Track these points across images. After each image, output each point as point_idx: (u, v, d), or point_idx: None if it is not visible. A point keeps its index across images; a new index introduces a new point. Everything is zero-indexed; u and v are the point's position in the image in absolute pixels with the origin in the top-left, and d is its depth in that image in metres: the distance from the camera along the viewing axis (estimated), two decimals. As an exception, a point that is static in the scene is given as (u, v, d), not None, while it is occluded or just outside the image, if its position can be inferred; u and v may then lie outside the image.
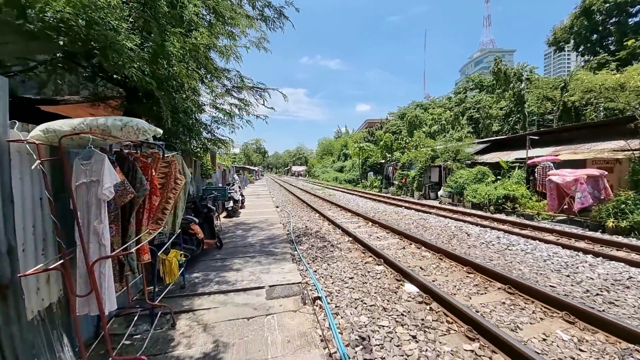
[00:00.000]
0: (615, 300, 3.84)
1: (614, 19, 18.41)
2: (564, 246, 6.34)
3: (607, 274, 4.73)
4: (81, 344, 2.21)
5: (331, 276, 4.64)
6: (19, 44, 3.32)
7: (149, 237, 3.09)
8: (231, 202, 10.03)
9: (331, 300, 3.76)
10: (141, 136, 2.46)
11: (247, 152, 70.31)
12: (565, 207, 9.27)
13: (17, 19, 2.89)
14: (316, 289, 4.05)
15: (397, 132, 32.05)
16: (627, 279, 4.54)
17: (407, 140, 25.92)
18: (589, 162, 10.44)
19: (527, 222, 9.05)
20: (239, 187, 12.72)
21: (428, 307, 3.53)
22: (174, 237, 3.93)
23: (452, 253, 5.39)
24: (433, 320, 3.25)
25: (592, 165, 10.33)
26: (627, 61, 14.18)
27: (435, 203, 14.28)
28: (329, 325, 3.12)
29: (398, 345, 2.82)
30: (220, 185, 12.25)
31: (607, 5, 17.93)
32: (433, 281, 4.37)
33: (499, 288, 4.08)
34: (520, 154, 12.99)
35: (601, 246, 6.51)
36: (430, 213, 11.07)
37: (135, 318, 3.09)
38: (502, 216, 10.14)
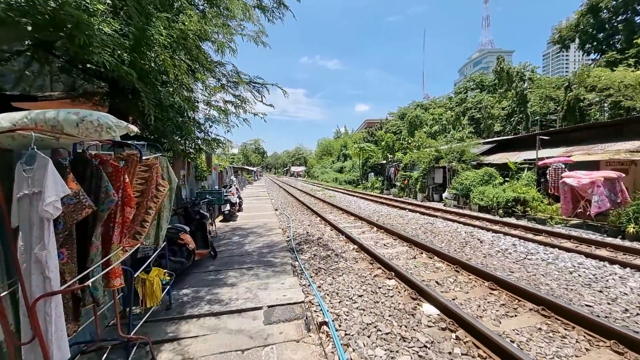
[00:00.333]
0: (663, 322, 3.35)
1: (621, 17, 17.97)
2: (587, 255, 5.86)
3: (641, 288, 4.26)
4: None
5: (337, 293, 4.12)
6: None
7: (122, 257, 2.57)
8: (228, 205, 9.50)
9: (339, 326, 3.24)
10: (105, 134, 1.94)
11: (246, 152, 69.63)
12: (579, 211, 8.80)
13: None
14: (322, 311, 3.53)
15: (398, 133, 31.58)
16: (667, 294, 4.06)
17: (409, 141, 25.44)
18: (602, 163, 9.99)
19: (540, 226, 8.56)
20: (237, 189, 12.17)
21: (454, 336, 3.01)
22: (157, 252, 3.42)
23: (470, 265, 4.89)
24: (462, 354, 2.74)
25: (605, 166, 9.87)
26: (638, 60, 13.74)
27: (440, 205, 13.79)
28: (339, 361, 2.61)
29: (425, 390, 2.31)
30: (216, 187, 11.70)
31: (615, 2, 17.50)
32: (453, 299, 3.86)
33: (530, 309, 3.58)
34: (529, 154, 12.51)
35: (624, 254, 6.05)
36: (436, 216, 10.58)
37: (106, 354, 2.57)
38: (513, 220, 9.65)
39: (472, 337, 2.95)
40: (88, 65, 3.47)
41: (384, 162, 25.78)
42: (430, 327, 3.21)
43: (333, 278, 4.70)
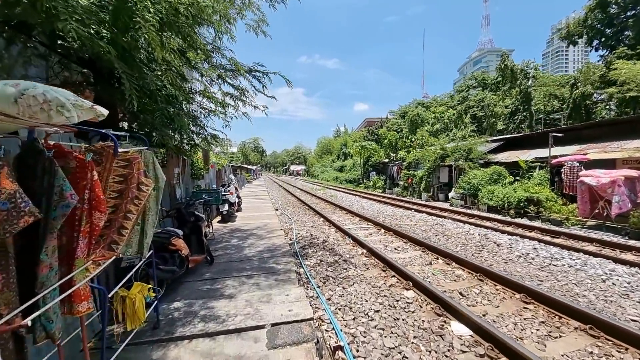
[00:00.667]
0: None
1: (630, 12, 17.49)
2: (615, 260, 5.40)
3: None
4: None
5: (350, 307, 3.62)
6: None
7: (94, 272, 2.07)
8: (226, 205, 8.98)
9: (357, 351, 2.74)
10: (55, 115, 1.43)
11: (245, 151, 68.91)
12: (597, 212, 8.33)
13: None
14: (334, 330, 3.04)
15: (399, 131, 31.09)
16: None
17: (413, 139, 24.94)
18: (618, 162, 9.52)
19: (556, 228, 8.10)
20: (236, 188, 11.65)
21: (496, 366, 2.52)
22: (142, 262, 2.91)
23: (495, 273, 4.40)
24: (512, 391, 2.25)
25: (622, 165, 9.39)
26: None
27: (446, 205, 13.31)
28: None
29: None
30: (214, 186, 11.18)
31: (624, -3, 17.04)
32: (483, 315, 3.37)
33: (576, 328, 3.09)
34: (539, 152, 12.04)
35: (654, 259, 5.59)
36: (445, 217, 10.09)
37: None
38: (525, 221, 9.18)
39: (519, 367, 2.45)
40: (59, 42, 2.94)
41: (386, 160, 25.28)
42: (465, 352, 2.71)
43: (343, 288, 4.20)
